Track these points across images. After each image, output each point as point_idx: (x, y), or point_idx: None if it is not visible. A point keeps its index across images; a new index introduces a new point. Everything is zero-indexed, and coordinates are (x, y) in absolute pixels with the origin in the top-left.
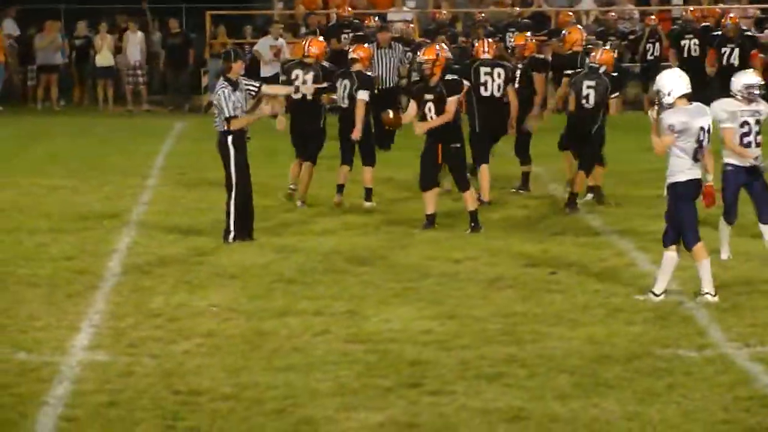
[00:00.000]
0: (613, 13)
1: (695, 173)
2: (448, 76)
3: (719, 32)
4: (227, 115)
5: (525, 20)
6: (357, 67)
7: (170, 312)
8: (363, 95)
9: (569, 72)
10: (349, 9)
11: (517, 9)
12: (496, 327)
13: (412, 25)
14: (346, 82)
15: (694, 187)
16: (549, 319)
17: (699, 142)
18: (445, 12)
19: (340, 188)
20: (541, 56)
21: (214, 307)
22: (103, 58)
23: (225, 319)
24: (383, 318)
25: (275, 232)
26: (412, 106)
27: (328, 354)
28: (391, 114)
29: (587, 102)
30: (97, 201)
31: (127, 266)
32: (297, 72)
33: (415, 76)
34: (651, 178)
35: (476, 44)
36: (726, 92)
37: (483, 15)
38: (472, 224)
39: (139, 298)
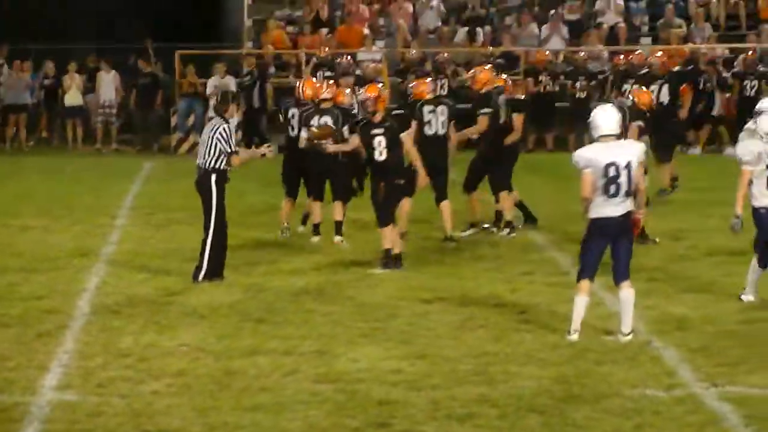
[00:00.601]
0: (582, 53)
1: (608, 211)
2: (396, 112)
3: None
4: (230, 151)
5: (498, 60)
6: (328, 105)
7: (139, 352)
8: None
9: (485, 111)
10: (326, 49)
11: (490, 48)
12: (467, 367)
13: (381, 65)
14: (327, 118)
15: (602, 225)
16: (519, 359)
17: (608, 177)
18: (414, 51)
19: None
20: (521, 96)
21: (183, 346)
22: (72, 97)
23: (194, 358)
24: (352, 357)
25: (244, 271)
26: (354, 138)
27: (297, 393)
28: (315, 129)
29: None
30: (67, 240)
31: (97, 306)
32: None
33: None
34: None
35: (416, 84)
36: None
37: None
38: (384, 261)
39: (109, 337)
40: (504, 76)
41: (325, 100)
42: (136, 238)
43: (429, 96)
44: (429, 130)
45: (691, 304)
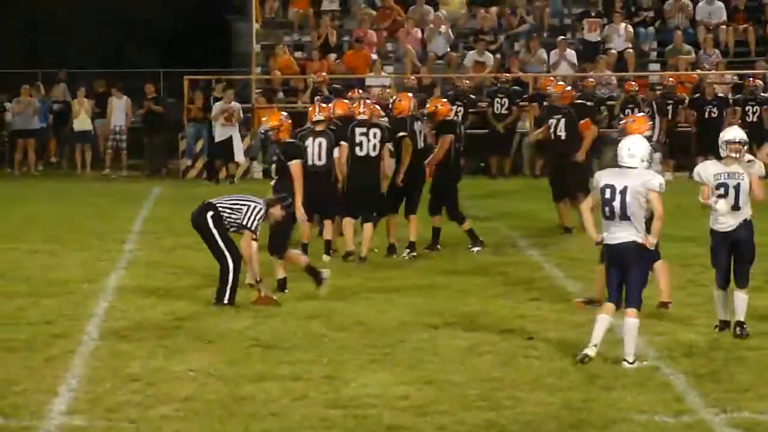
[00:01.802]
0: (591, 79)
1: (608, 237)
2: (289, 140)
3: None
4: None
5: (515, 87)
6: (322, 126)
7: (148, 376)
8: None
9: (402, 134)
10: (323, 74)
11: (496, 74)
12: (474, 392)
13: (389, 90)
14: (321, 140)
15: (607, 250)
16: (527, 385)
17: (604, 200)
18: (422, 77)
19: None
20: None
21: (191, 371)
22: (81, 122)
23: (202, 383)
24: (361, 383)
25: (252, 297)
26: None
27: (305, 419)
28: None
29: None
30: (76, 265)
31: (105, 330)
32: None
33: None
34: None
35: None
36: None
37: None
38: (281, 288)
39: (117, 362)
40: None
41: (319, 122)
42: (144, 262)
43: (362, 117)
44: (360, 152)
45: (700, 330)
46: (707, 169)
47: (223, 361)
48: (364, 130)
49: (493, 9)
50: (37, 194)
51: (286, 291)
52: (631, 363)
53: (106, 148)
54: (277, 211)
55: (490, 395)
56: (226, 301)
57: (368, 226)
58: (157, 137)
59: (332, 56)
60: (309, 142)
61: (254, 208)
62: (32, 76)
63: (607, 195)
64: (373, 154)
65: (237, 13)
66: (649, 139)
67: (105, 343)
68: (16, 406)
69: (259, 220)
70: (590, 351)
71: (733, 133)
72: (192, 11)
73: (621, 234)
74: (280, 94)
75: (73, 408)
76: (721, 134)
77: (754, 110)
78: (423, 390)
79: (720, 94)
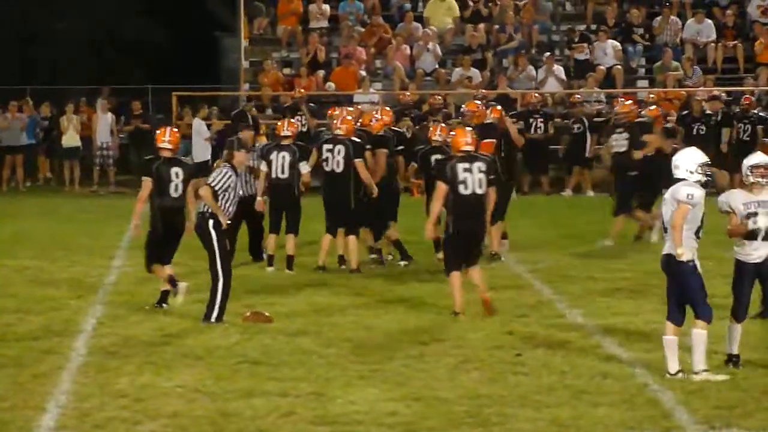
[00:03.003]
0: (579, 96)
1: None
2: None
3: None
4: (211, 183)
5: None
6: (288, 141)
7: (136, 393)
8: (305, 166)
9: (369, 147)
10: (302, 90)
11: (483, 91)
12: (462, 409)
13: (377, 107)
14: (285, 153)
15: None
16: (515, 401)
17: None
18: (409, 94)
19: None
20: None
21: (179, 387)
22: (70, 138)
23: (190, 399)
24: (349, 399)
25: (240, 313)
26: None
27: None
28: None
29: None
30: (64, 281)
31: (93, 347)
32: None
33: None
34: (611, 259)
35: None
36: None
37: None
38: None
39: (105, 378)
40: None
41: (286, 137)
42: (132, 278)
43: (338, 132)
44: (326, 167)
45: (688, 347)
46: (735, 198)
47: (211, 378)
48: (331, 146)
49: (482, 26)
50: (25, 211)
51: (165, 305)
52: (696, 373)
53: (94, 165)
54: (241, 157)
55: (479, 412)
56: (213, 319)
57: (350, 239)
58: (145, 153)
59: (321, 73)
60: (273, 155)
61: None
62: (22, 92)
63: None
64: (338, 170)
65: (225, 29)
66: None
67: (93, 360)
68: (4, 422)
69: (223, 179)
70: (675, 374)
71: (759, 157)
72: (181, 28)
73: (666, 246)
74: (269, 111)
75: (61, 424)
76: (745, 160)
77: (746, 128)
78: (411, 406)
79: (708, 111)
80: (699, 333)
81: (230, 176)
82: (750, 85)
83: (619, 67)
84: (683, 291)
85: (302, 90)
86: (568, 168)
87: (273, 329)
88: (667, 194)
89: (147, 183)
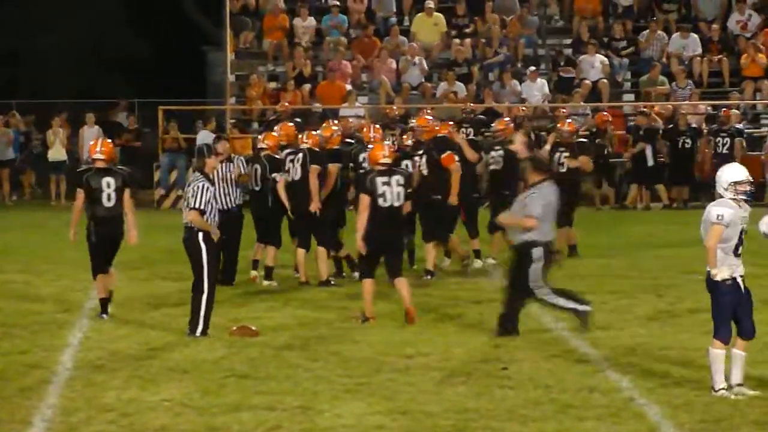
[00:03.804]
0: (565, 110)
1: None
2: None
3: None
4: (194, 206)
5: (479, 116)
6: (267, 152)
7: (122, 407)
8: (279, 177)
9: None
10: (286, 104)
11: (471, 105)
12: (449, 423)
13: (363, 121)
14: (257, 166)
15: None
16: (501, 415)
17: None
18: (396, 108)
19: (255, 263)
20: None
21: (166, 401)
22: (56, 152)
23: (177, 414)
24: (336, 413)
25: (227, 327)
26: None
27: None
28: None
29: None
30: (50, 296)
31: (80, 361)
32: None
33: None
34: (596, 273)
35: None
36: None
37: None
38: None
39: (92, 392)
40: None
41: (261, 149)
42: (118, 292)
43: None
44: (288, 177)
45: (675, 360)
46: None
47: (198, 391)
48: (292, 156)
49: (468, 40)
50: (11, 224)
51: (105, 316)
52: (715, 391)
53: None
54: (211, 162)
55: (465, 426)
56: (198, 333)
57: (319, 251)
58: (131, 167)
59: (306, 87)
60: (248, 168)
61: (197, 187)
62: (8, 106)
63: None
64: (296, 178)
65: (211, 43)
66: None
67: (79, 374)
68: None
69: (203, 194)
70: (722, 392)
71: None
72: (167, 42)
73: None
74: (254, 124)
75: None
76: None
77: (724, 142)
78: (397, 420)
79: (693, 125)
80: (715, 353)
81: (208, 188)
82: (735, 98)
83: (605, 81)
84: (713, 306)
85: (287, 104)
86: None
87: (259, 343)
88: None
89: (80, 194)
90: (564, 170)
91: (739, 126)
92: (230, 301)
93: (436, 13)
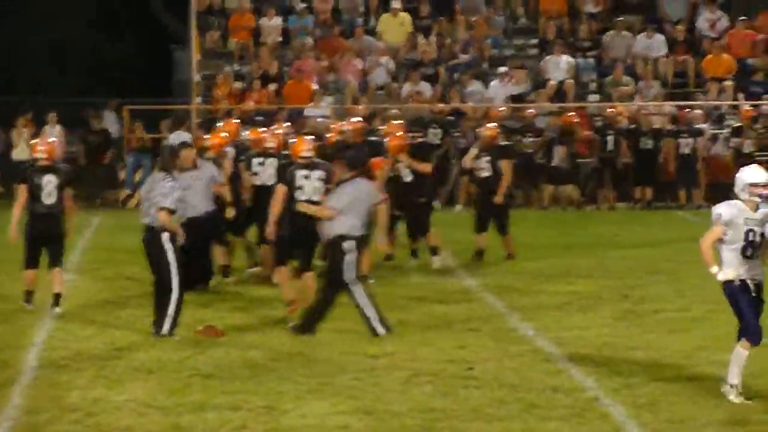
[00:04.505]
0: (531, 110)
1: None
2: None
3: None
4: (165, 206)
5: (449, 118)
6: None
7: (87, 407)
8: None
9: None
10: (252, 103)
11: (440, 105)
12: (414, 422)
13: (329, 121)
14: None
15: None
16: (466, 415)
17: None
18: (362, 107)
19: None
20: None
21: (131, 401)
22: (21, 152)
23: (142, 413)
24: (300, 413)
25: (193, 327)
26: None
27: None
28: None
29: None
30: (15, 296)
31: (45, 360)
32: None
33: None
34: (562, 273)
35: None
36: None
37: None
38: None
39: (57, 392)
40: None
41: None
42: (84, 292)
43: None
44: (257, 181)
45: (640, 360)
46: None
47: (163, 391)
48: (261, 159)
49: (434, 40)
50: None
51: (28, 305)
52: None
53: None
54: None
55: (430, 425)
56: (166, 332)
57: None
58: (96, 167)
59: (272, 86)
60: None
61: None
62: None
63: None
64: (268, 183)
65: (177, 43)
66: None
67: (44, 373)
68: None
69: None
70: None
71: None
72: (133, 41)
73: None
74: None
75: None
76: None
77: (687, 142)
78: (363, 420)
79: (656, 126)
80: (738, 351)
81: (176, 188)
82: (700, 99)
83: (571, 81)
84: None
85: (251, 103)
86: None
87: (225, 343)
88: None
89: (22, 189)
90: (488, 175)
91: (704, 126)
92: (195, 302)
93: (401, 13)
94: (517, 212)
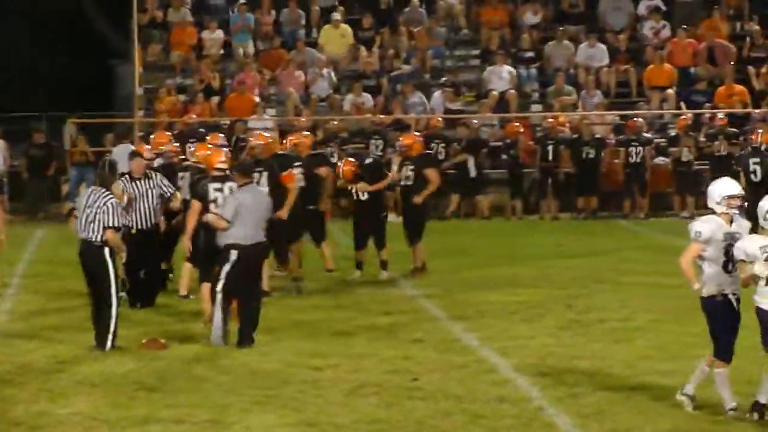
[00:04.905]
0: (476, 121)
1: None
2: None
3: None
4: (110, 225)
5: (388, 128)
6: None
7: (31, 420)
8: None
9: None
10: (194, 116)
11: (382, 116)
12: None
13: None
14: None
15: None
16: (411, 426)
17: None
18: (304, 119)
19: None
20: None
21: (75, 415)
22: None
23: (87, 427)
24: (245, 426)
25: (136, 339)
26: None
27: None
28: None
29: None
30: None
31: None
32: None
33: None
34: (506, 282)
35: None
36: None
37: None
38: None
39: (0, 406)
40: None
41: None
42: (27, 306)
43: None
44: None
45: (585, 370)
46: (753, 243)
47: (107, 405)
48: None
49: (376, 51)
50: None
51: None
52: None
53: None
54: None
55: None
56: (107, 348)
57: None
58: (39, 181)
59: (215, 99)
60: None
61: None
62: None
63: None
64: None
65: (119, 56)
66: None
67: None
68: None
69: (116, 210)
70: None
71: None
72: (74, 55)
73: None
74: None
75: None
76: (760, 204)
77: (637, 151)
78: None
79: (598, 135)
80: (718, 373)
81: (118, 204)
82: (643, 108)
83: (513, 91)
84: (708, 324)
85: (193, 116)
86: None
87: (169, 356)
88: None
89: None
90: (410, 183)
91: (648, 135)
92: (139, 314)
93: (343, 25)
94: (459, 222)
